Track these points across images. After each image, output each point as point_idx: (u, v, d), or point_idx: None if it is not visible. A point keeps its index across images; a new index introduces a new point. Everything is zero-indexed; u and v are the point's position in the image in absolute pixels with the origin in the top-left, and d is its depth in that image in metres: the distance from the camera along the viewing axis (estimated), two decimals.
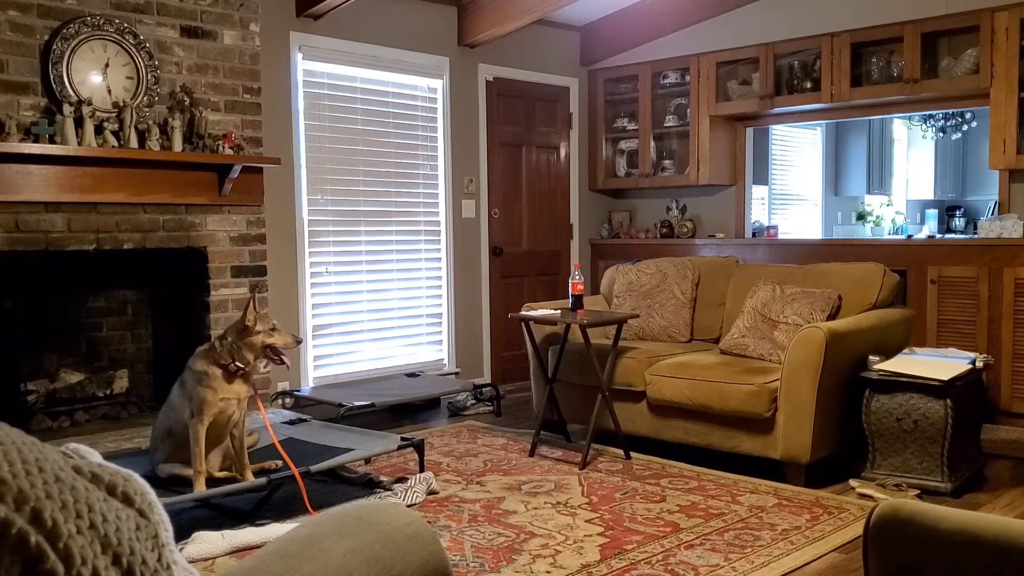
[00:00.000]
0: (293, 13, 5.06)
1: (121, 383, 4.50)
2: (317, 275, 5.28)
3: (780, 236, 6.51)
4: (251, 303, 3.19)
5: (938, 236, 7.12)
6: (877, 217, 8.74)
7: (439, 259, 5.94)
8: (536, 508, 3.47)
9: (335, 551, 1.16)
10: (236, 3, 4.57)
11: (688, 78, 6.26)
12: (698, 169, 6.23)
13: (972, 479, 3.78)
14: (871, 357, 3.82)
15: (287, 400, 4.92)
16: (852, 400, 3.82)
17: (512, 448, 4.45)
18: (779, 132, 7.50)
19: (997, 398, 4.80)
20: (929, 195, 9.23)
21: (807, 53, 5.72)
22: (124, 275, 4.35)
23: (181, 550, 2.87)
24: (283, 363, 3.28)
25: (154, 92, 4.23)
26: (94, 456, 0.97)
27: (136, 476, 0.91)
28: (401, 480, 3.74)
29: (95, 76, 4.05)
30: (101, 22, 4.05)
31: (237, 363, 3.15)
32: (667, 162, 6.54)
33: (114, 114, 4.08)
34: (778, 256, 5.75)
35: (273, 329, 3.22)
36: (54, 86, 3.90)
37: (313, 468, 3.36)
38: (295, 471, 3.25)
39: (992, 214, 5.92)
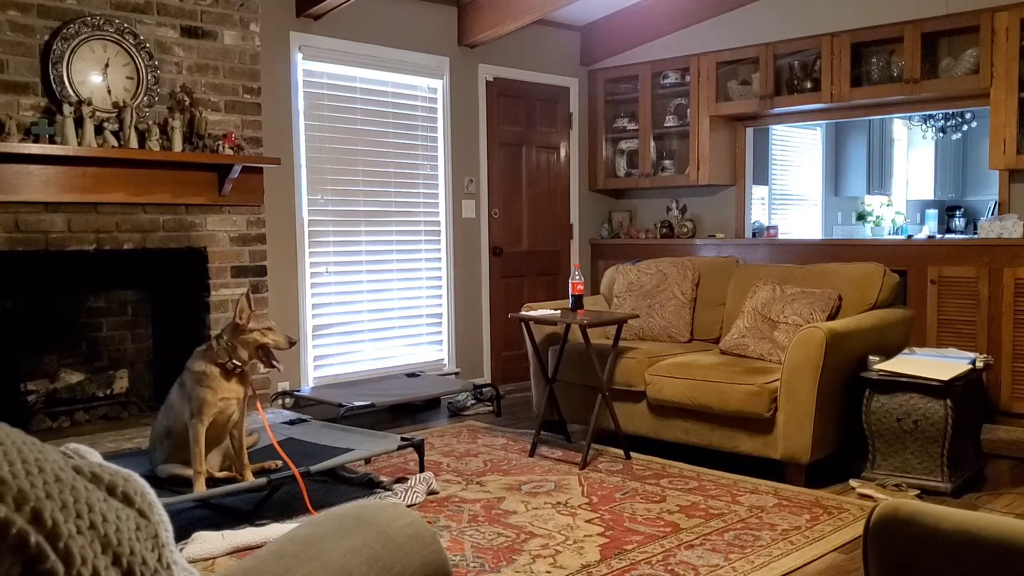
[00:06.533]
0: (293, 13, 5.06)
1: (121, 383, 4.50)
2: (317, 275, 5.28)
3: (780, 236, 6.51)
4: (243, 299, 3.18)
5: (938, 236, 7.12)
6: (877, 217, 8.74)
7: (439, 259, 5.94)
8: (536, 508, 3.47)
9: (335, 551, 1.16)
10: (236, 3, 4.57)
11: (688, 78, 6.26)
12: (698, 169, 6.23)
13: (972, 479, 3.78)
14: (871, 357, 3.82)
15: (287, 400, 4.92)
16: (852, 400, 3.82)
17: (512, 448, 4.45)
18: (779, 132, 7.50)
19: (997, 398, 4.80)
20: (929, 195, 9.23)
21: (807, 53, 5.72)
22: (124, 275, 4.35)
23: (181, 550, 2.87)
24: (273, 366, 3.26)
25: (154, 92, 4.23)
26: (94, 456, 0.98)
27: (136, 476, 0.91)
28: (401, 480, 3.74)
29: (95, 76, 4.06)
30: (101, 22, 4.05)
31: (233, 361, 3.15)
32: (667, 162, 6.54)
33: (114, 114, 4.08)
34: (778, 256, 5.75)
35: (268, 329, 3.21)
36: (54, 86, 3.90)
37: (313, 468, 3.36)
38: (295, 471, 3.25)
39: (992, 214, 5.92)
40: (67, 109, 3.86)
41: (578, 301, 4.30)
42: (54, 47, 3.90)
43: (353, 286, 5.48)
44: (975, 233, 6.31)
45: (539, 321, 4.44)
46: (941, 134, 8.68)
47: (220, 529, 3.08)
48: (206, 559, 2.93)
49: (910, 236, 7.10)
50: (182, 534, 2.93)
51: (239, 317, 3.17)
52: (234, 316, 3.20)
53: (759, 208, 7.01)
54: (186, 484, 3.14)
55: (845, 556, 2.97)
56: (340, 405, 4.58)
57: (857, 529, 3.15)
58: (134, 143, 4.05)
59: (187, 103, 4.28)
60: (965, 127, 8.38)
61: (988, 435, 4.36)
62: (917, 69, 5.17)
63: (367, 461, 3.95)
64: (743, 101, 6.02)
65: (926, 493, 3.56)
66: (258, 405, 3.33)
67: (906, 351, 4.04)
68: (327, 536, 1.19)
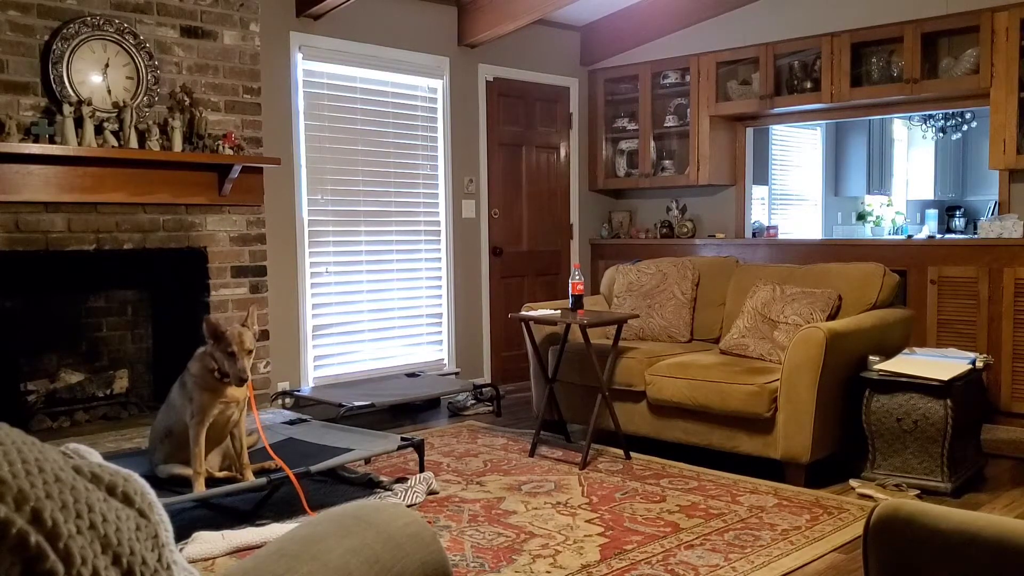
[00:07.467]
0: (293, 13, 5.06)
1: (121, 383, 4.50)
2: (317, 275, 5.28)
3: (780, 236, 6.51)
4: (205, 321, 3.13)
5: (938, 236, 7.12)
6: (877, 217, 8.74)
7: (439, 259, 5.94)
8: (536, 508, 3.47)
9: (335, 551, 1.16)
10: (236, 3, 4.57)
11: (688, 78, 6.26)
12: (698, 169, 6.23)
13: (972, 479, 3.78)
14: (871, 357, 3.82)
15: (287, 400, 4.92)
16: (852, 400, 3.82)
17: (512, 448, 4.45)
18: (779, 132, 7.50)
19: (997, 398, 4.80)
20: (929, 195, 9.23)
21: (807, 53, 5.72)
22: (124, 275, 4.35)
23: (181, 550, 2.87)
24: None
25: (154, 92, 4.23)
26: (94, 456, 0.98)
27: (136, 476, 0.91)
28: (401, 480, 3.74)
29: (95, 76, 4.05)
30: (101, 22, 4.05)
31: (219, 372, 3.12)
32: (667, 162, 6.54)
33: (114, 114, 4.08)
34: (778, 256, 5.75)
35: (232, 355, 3.07)
36: (54, 86, 3.90)
37: (313, 468, 3.36)
38: (290, 474, 3.24)
39: (992, 214, 5.92)
40: (67, 109, 3.86)
41: (578, 301, 4.30)
42: (54, 47, 3.90)
43: (353, 286, 5.48)
44: (975, 233, 6.31)
45: (539, 321, 4.44)
46: (941, 134, 8.68)
47: (220, 529, 3.08)
48: (206, 559, 2.93)
49: (910, 236, 7.09)
50: (182, 534, 2.93)
51: (208, 336, 3.12)
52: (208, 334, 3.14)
53: (759, 208, 7.01)
54: (186, 484, 3.14)
55: (845, 556, 2.97)
56: (340, 405, 4.58)
57: (857, 529, 3.15)
58: (134, 143, 4.05)
59: (187, 103, 4.28)
60: (965, 127, 8.38)
61: (988, 435, 4.35)
62: (917, 69, 5.17)
63: (367, 461, 3.95)
64: (743, 101, 6.02)
65: (926, 493, 3.56)
66: (254, 409, 3.32)
67: (906, 351, 4.04)
68: (327, 536, 1.19)
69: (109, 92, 4.09)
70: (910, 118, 8.57)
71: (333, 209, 5.34)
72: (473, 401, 5.43)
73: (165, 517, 0.92)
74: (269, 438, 3.56)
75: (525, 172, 6.45)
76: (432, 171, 5.88)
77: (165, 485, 3.14)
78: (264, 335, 4.65)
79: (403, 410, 5.34)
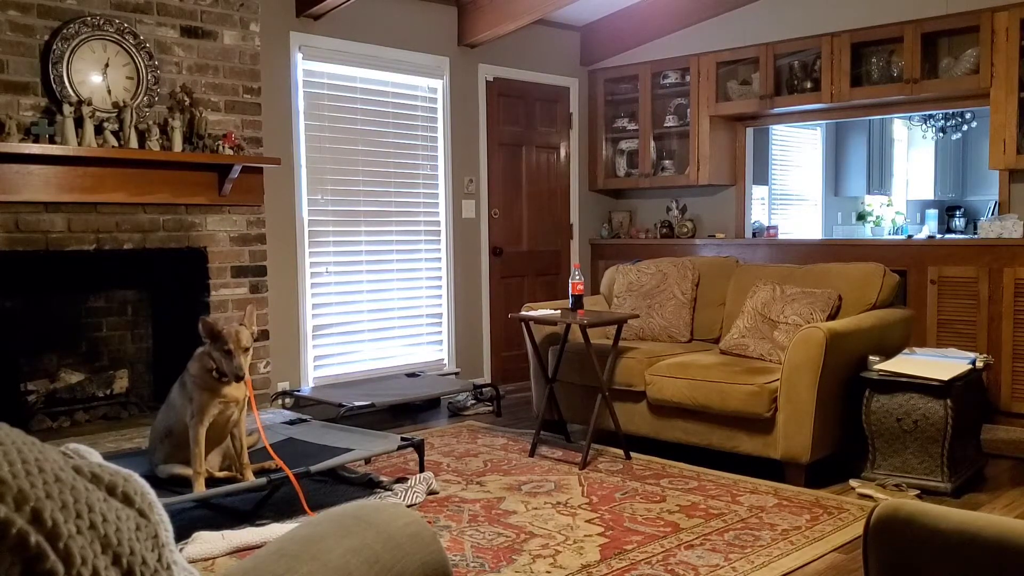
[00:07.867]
0: (293, 13, 5.06)
1: (121, 383, 4.50)
2: (317, 275, 5.28)
3: (780, 236, 6.51)
4: (201, 322, 3.14)
5: (938, 236, 7.12)
6: (877, 217, 8.74)
7: (439, 259, 5.94)
8: (536, 508, 3.47)
9: (335, 551, 1.16)
10: (236, 3, 4.57)
11: (688, 78, 6.26)
12: (698, 169, 6.23)
13: (972, 479, 3.78)
14: (871, 357, 3.82)
15: (287, 400, 4.92)
16: (852, 400, 3.82)
17: (512, 448, 4.45)
18: (779, 132, 7.50)
19: (997, 398, 4.80)
20: (929, 195, 9.23)
21: (807, 53, 5.72)
22: (124, 275, 4.35)
23: (181, 550, 2.87)
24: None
25: (154, 92, 4.23)
26: (94, 456, 0.98)
27: (136, 476, 0.91)
28: (401, 480, 3.74)
29: (95, 76, 4.05)
30: (101, 22, 4.05)
31: (217, 371, 3.13)
32: (667, 162, 6.54)
33: (114, 114, 4.08)
34: (778, 256, 5.75)
35: (228, 352, 3.08)
36: (54, 86, 3.90)
37: (313, 468, 3.36)
38: (289, 474, 3.24)
39: (992, 214, 5.92)
40: (67, 109, 3.86)
41: (578, 301, 4.30)
42: (54, 47, 3.90)
43: (353, 286, 5.48)
44: (975, 233, 6.31)
45: (539, 321, 4.44)
46: (941, 134, 8.68)
47: (220, 529, 3.08)
48: (206, 559, 2.93)
49: (910, 236, 7.09)
50: (182, 534, 2.93)
51: (205, 336, 3.12)
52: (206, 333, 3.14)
53: (759, 208, 7.01)
54: (186, 484, 3.14)
55: (845, 556, 2.97)
56: (340, 405, 4.58)
57: (857, 529, 3.15)
58: (134, 143, 4.05)
59: (187, 103, 4.28)
60: (965, 127, 8.38)
61: (988, 435, 4.35)
62: (917, 69, 5.17)
63: (367, 461, 3.95)
64: (743, 101, 6.02)
65: (926, 493, 3.56)
66: (254, 408, 3.32)
67: (906, 351, 4.04)
68: (327, 536, 1.19)
69: (109, 92, 4.09)
70: (910, 118, 8.56)
71: (333, 209, 5.34)
72: (473, 401, 5.43)
73: (165, 517, 0.92)
74: (269, 438, 3.56)
75: (525, 172, 6.45)
76: (432, 171, 5.88)
77: (165, 485, 3.14)
78: (264, 335, 4.65)
79: (403, 410, 5.35)
